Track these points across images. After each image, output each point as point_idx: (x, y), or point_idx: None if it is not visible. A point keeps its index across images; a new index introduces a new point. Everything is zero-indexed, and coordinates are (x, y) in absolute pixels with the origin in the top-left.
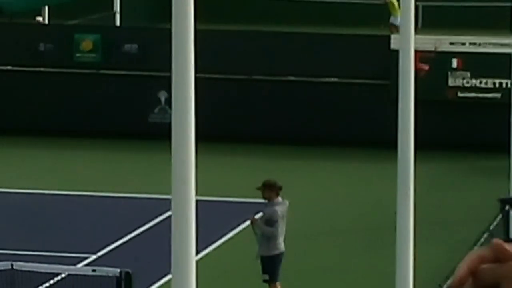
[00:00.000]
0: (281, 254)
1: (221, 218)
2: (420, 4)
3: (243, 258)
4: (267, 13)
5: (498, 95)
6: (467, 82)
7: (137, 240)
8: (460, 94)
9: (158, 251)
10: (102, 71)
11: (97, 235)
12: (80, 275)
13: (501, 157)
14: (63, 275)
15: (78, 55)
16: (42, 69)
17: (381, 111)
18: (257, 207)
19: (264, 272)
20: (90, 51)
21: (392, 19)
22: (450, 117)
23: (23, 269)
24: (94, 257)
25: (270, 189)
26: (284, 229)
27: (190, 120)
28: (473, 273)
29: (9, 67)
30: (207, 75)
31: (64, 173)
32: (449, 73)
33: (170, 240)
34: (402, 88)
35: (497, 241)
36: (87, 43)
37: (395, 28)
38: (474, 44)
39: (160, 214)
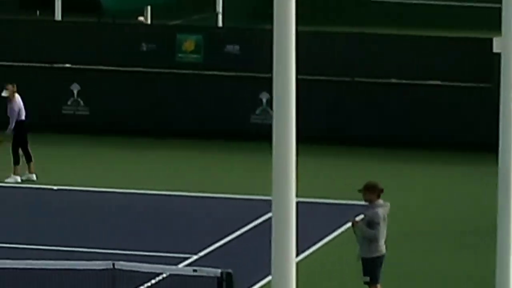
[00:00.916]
0: (382, 256)
1: (322, 220)
2: None
3: (343, 259)
4: (370, 15)
5: None
6: None
7: (238, 240)
8: None
9: (258, 252)
10: (204, 72)
11: (198, 236)
12: (181, 275)
13: None
14: (164, 275)
15: (180, 55)
16: (144, 69)
17: (482, 114)
18: (358, 209)
19: (365, 274)
20: (192, 52)
21: None
22: None
23: (125, 268)
24: (195, 257)
25: (371, 191)
26: (385, 231)
27: (291, 122)
28: None
29: (112, 67)
30: (309, 77)
31: (167, 174)
32: None
33: (270, 241)
34: (504, 91)
35: None
36: (189, 43)
37: None
38: None
39: (261, 215)
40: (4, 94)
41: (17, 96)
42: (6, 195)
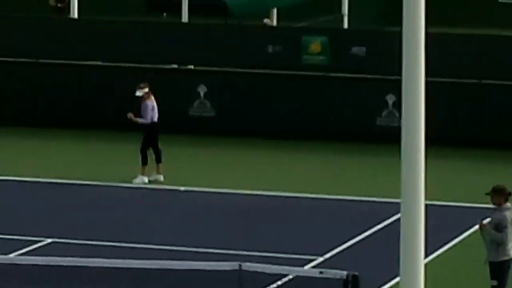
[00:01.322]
0: (510, 260)
1: (450, 222)
2: None
3: (471, 262)
4: (498, 16)
5: None
6: None
7: (364, 243)
8: None
9: (384, 254)
10: (329, 74)
11: (324, 237)
12: (307, 277)
13: None
14: (290, 277)
15: (305, 57)
16: (270, 71)
17: None
18: (485, 213)
19: (492, 278)
20: (318, 54)
21: None
22: None
23: (251, 269)
24: (321, 259)
25: (499, 195)
26: None
27: (420, 124)
28: None
29: (238, 69)
30: (436, 79)
31: (293, 176)
32: None
33: (396, 243)
34: None
35: None
36: (315, 45)
37: None
38: None
39: (387, 218)
40: (138, 93)
41: (151, 96)
42: (134, 196)
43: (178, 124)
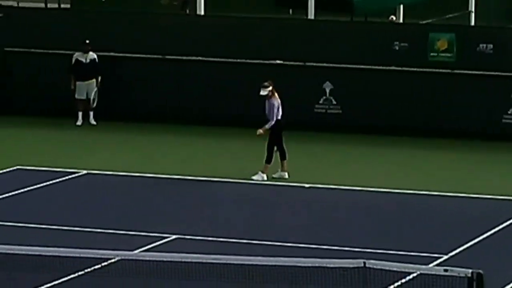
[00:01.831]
0: None
1: None
2: None
3: None
4: None
5: None
6: None
7: (490, 241)
8: None
9: (510, 253)
10: (456, 71)
11: (449, 235)
12: (431, 274)
13: None
14: (414, 274)
15: (432, 54)
16: (396, 68)
17: None
18: None
19: None
20: (444, 51)
21: None
22: None
23: (375, 267)
24: (445, 257)
25: None
26: None
27: None
28: None
29: (364, 66)
30: None
31: (418, 173)
32: None
33: None
34: None
35: None
36: (442, 42)
37: None
38: None
39: None
40: (262, 93)
41: (275, 94)
42: (258, 193)
43: (303, 121)
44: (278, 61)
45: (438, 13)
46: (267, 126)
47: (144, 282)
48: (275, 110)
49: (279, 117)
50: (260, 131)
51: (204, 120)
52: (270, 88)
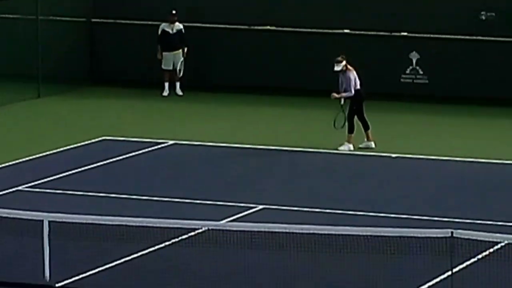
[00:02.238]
0: None
1: None
2: None
3: None
4: None
5: None
6: None
7: None
8: None
9: None
10: None
11: None
12: None
13: None
14: (502, 244)
15: None
16: (482, 37)
17: None
18: None
19: None
20: None
21: None
22: None
23: (463, 237)
24: None
25: None
26: None
27: None
28: None
29: (451, 36)
30: None
31: (507, 143)
32: None
33: None
34: None
35: None
36: None
37: None
38: None
39: None
40: (337, 68)
41: (350, 67)
42: (344, 163)
43: (390, 91)
44: (364, 32)
45: None
46: (344, 95)
47: (231, 252)
48: (352, 83)
49: (358, 87)
50: (335, 94)
51: (291, 90)
52: (344, 62)
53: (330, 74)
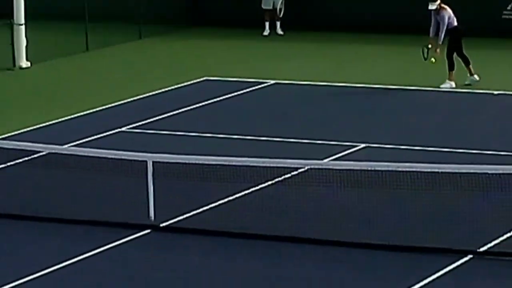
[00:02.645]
0: None
1: None
2: None
3: None
4: None
5: None
6: None
7: None
8: None
9: None
10: None
11: None
12: None
13: None
14: None
15: None
16: None
17: None
18: None
19: None
20: None
21: None
22: None
23: None
24: None
25: None
26: None
27: None
28: None
29: None
30: None
31: None
32: None
33: None
34: None
35: None
36: None
37: None
38: None
39: None
40: (431, 7)
41: (444, 6)
42: (442, 100)
43: (490, 27)
44: None
45: None
46: (440, 42)
47: (333, 191)
48: (446, 21)
49: (455, 24)
50: (437, 52)
51: (392, 28)
52: (438, 1)
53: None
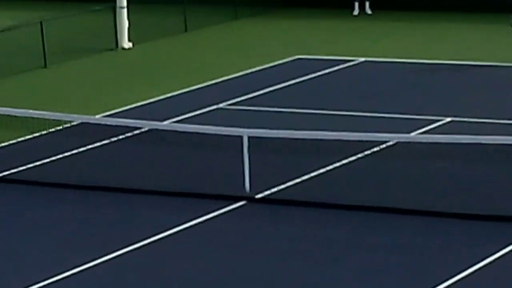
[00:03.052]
0: None
1: None
2: None
3: None
4: None
5: None
6: None
7: None
8: None
9: None
10: None
11: None
12: None
13: None
14: None
15: None
16: None
17: None
18: None
19: None
20: None
21: None
22: None
23: None
24: None
25: None
26: None
27: None
28: None
29: None
30: None
31: None
32: None
33: None
34: None
35: None
36: None
37: None
38: None
39: None
40: None
41: None
42: None
43: None
44: None
45: None
46: None
47: (420, 164)
48: None
49: None
50: None
51: (478, 6)
52: None
53: None
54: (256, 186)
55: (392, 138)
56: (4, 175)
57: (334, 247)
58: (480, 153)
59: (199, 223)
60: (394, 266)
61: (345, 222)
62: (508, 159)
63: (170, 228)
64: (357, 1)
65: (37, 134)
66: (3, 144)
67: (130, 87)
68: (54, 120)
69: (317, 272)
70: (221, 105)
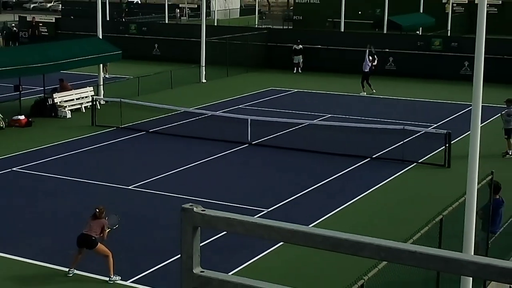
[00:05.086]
0: None
1: None
2: None
3: None
4: None
5: None
6: None
7: None
8: None
9: None
10: None
11: None
12: None
13: None
14: None
15: None
16: None
17: None
18: None
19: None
20: None
21: None
22: None
23: None
24: None
25: None
26: None
27: None
28: None
29: None
30: None
31: None
32: None
33: None
34: None
35: None
36: None
37: None
38: None
39: None
40: None
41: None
42: None
43: None
44: None
45: None
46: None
47: None
48: None
49: None
50: None
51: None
52: None
53: None
54: (253, 137)
55: None
56: (155, 130)
57: (292, 169)
58: None
59: (225, 154)
60: None
61: (296, 156)
62: None
63: (215, 155)
64: (295, 67)
65: (164, 115)
66: (155, 118)
67: (206, 97)
68: (168, 109)
69: (285, 178)
70: None
